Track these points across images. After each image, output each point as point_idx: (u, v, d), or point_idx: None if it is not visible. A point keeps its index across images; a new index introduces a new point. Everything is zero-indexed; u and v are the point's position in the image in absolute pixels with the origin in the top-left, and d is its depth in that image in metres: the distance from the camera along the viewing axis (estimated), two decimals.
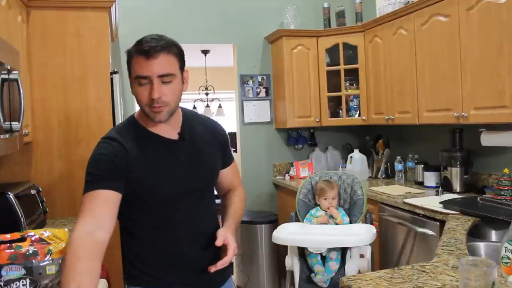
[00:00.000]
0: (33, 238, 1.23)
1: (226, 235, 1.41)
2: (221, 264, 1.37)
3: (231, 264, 1.64)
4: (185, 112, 1.52)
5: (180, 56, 1.37)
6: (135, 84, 1.33)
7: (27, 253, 1.17)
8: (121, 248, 1.49)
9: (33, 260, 1.17)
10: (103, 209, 1.25)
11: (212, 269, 1.37)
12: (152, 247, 1.43)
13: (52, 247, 1.20)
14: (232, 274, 1.68)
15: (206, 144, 1.51)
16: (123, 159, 1.33)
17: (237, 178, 1.69)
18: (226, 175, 1.62)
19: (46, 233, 1.27)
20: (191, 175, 1.44)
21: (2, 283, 1.14)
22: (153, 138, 1.41)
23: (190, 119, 1.52)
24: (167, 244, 1.44)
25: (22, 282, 1.15)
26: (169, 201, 1.42)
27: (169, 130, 1.44)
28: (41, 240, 1.20)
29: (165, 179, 1.39)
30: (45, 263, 1.18)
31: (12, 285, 1.14)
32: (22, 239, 1.22)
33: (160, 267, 1.44)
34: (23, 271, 1.15)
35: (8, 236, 1.22)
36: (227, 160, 1.62)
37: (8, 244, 1.17)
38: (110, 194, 1.27)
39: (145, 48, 1.29)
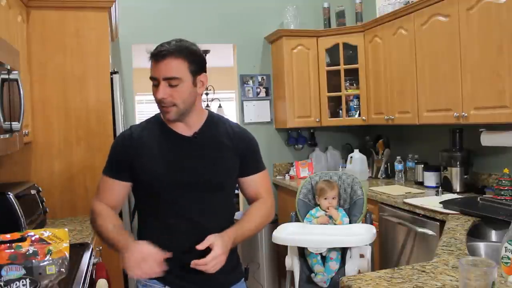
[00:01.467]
0: (33, 238, 1.22)
1: (213, 240, 1.38)
2: (195, 263, 1.35)
3: (246, 269, 1.64)
4: (212, 116, 1.59)
5: (192, 60, 1.42)
6: (152, 84, 1.45)
7: (27, 253, 1.17)
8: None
9: (33, 260, 1.17)
10: (111, 195, 1.52)
11: (192, 264, 1.36)
12: (155, 240, 1.47)
13: (52, 247, 1.20)
14: (246, 279, 1.65)
15: (222, 146, 1.54)
16: (128, 147, 1.49)
17: (265, 188, 1.64)
18: (250, 183, 1.61)
19: (46, 233, 1.27)
20: (196, 170, 1.48)
21: (2, 283, 1.15)
22: (167, 131, 1.51)
23: (214, 122, 1.57)
24: (168, 239, 1.47)
25: (22, 282, 1.15)
26: (170, 191, 1.46)
27: (186, 129, 1.52)
28: (41, 240, 1.20)
29: (168, 167, 1.46)
30: (45, 263, 1.18)
31: (12, 285, 1.14)
32: (22, 239, 1.22)
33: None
34: (23, 271, 1.16)
35: (8, 236, 1.22)
36: (251, 169, 1.60)
37: (8, 244, 1.17)
38: (116, 183, 1.51)
39: (154, 52, 1.41)
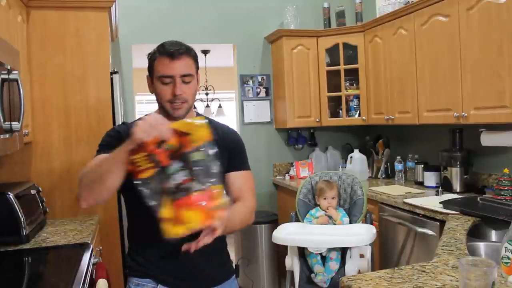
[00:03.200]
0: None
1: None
2: (195, 244, 1.31)
3: (236, 266, 1.63)
4: (198, 114, 1.63)
5: (196, 59, 1.52)
6: (158, 83, 1.46)
7: (178, 147, 1.28)
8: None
9: (184, 151, 1.28)
10: None
11: (185, 246, 1.33)
12: (146, 238, 1.48)
13: (193, 136, 1.28)
14: (237, 276, 1.66)
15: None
16: (122, 136, 1.46)
17: (248, 188, 1.62)
18: (234, 181, 1.60)
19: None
20: None
21: (172, 178, 1.25)
22: None
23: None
24: (159, 236, 1.46)
25: (183, 173, 1.27)
26: None
27: None
28: (182, 133, 1.28)
29: None
30: (194, 151, 1.28)
31: (175, 176, 1.26)
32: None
33: (150, 257, 1.48)
34: (180, 164, 1.27)
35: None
36: (236, 165, 1.60)
37: (160, 146, 1.26)
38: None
39: (171, 50, 1.44)
